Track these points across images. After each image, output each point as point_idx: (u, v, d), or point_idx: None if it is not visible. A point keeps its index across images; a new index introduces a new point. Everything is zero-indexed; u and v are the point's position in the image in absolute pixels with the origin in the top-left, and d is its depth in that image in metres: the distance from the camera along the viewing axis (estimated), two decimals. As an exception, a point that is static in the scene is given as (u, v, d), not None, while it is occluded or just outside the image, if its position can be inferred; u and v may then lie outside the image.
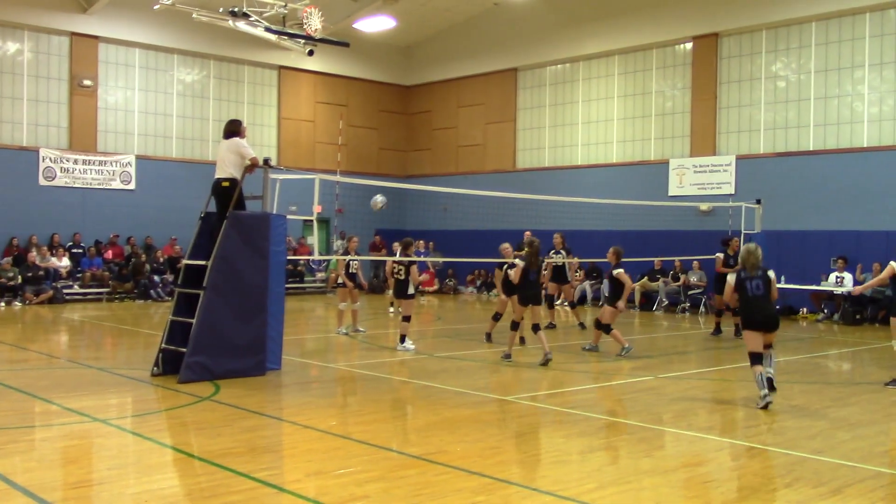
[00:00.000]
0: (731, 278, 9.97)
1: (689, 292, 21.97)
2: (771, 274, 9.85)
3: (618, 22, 25.16)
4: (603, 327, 13.28)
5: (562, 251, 17.22)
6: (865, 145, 20.56)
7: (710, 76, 23.41)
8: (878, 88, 20.54)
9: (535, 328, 12.42)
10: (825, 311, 19.87)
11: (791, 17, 21.80)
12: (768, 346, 9.99)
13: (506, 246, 14.27)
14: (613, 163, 25.59)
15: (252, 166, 10.91)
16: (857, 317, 18.92)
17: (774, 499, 6.29)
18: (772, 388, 9.88)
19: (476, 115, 29.43)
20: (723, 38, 23.29)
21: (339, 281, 15.83)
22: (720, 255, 16.39)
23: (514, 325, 12.92)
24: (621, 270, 13.30)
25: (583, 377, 11.28)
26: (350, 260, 15.67)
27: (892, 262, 11.22)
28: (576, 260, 18.77)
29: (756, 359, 9.60)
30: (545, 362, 12.12)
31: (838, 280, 19.27)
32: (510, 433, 8.36)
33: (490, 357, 13.26)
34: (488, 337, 14.69)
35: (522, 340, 14.03)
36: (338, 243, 27.19)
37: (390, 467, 6.77)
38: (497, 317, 14.45)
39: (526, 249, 12.72)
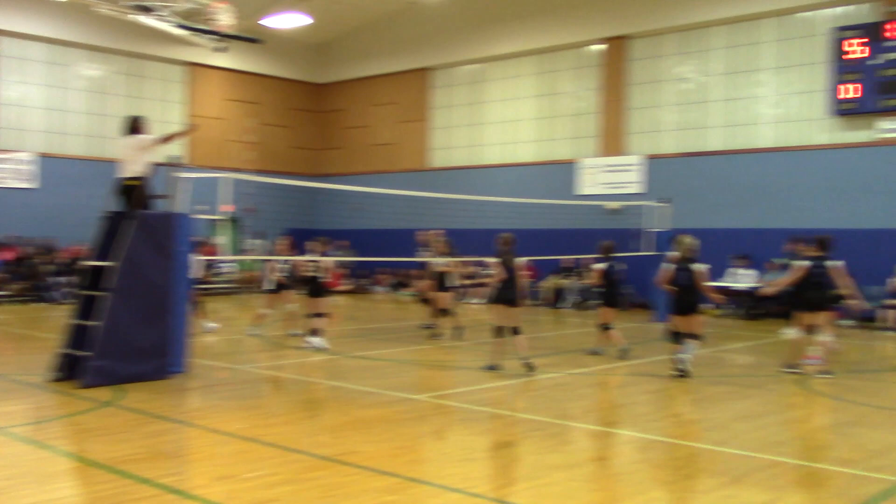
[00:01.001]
0: (666, 266, 11.52)
1: (597, 289, 22.30)
2: (698, 267, 11.26)
3: (530, 23, 25.45)
4: (603, 328, 13.22)
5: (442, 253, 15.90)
6: (766, 146, 21.29)
7: (619, 78, 23.89)
8: (777, 91, 21.29)
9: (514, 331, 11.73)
10: (730, 306, 20.47)
11: (697, 21, 22.41)
12: (693, 335, 11.27)
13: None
14: (525, 162, 25.88)
15: (169, 137, 11.02)
16: (758, 312, 19.55)
17: (678, 489, 6.45)
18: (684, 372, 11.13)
19: (389, 114, 29.37)
20: (631, 40, 23.79)
21: (271, 284, 15.31)
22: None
23: (499, 331, 11.92)
24: (600, 266, 13.22)
25: (492, 375, 11.36)
26: (280, 261, 15.26)
27: (800, 262, 11.72)
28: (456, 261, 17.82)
29: (676, 337, 11.32)
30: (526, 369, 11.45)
31: (740, 277, 19.89)
32: (420, 432, 8.36)
33: (402, 356, 13.24)
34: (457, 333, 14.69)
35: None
36: (254, 243, 26.76)
37: (300, 469, 6.69)
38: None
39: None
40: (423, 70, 28.35)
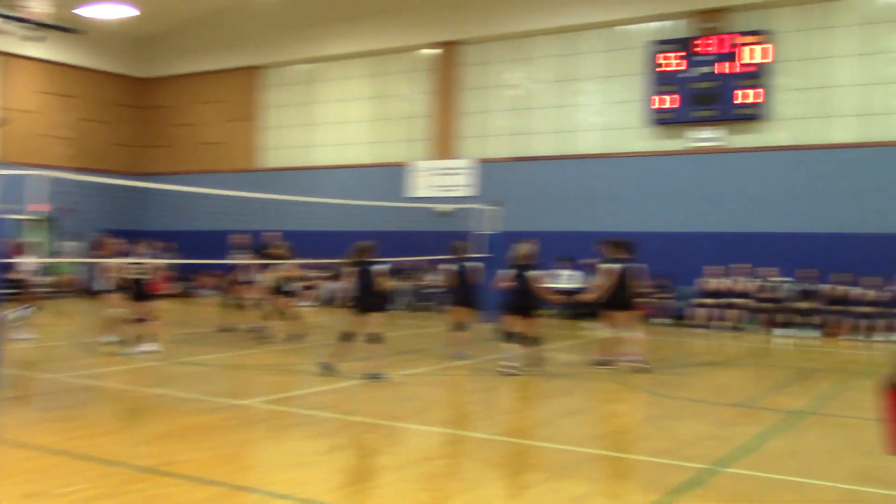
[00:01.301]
0: (503, 273, 12.21)
1: (428, 291, 22.58)
2: (535, 272, 12.00)
3: (363, 25, 25.42)
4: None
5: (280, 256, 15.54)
6: (590, 152, 22.22)
7: (451, 82, 24.27)
8: (601, 100, 22.27)
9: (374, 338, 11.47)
10: (556, 306, 21.18)
11: (526, 30, 23.10)
12: (528, 338, 11.86)
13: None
14: (358, 164, 25.83)
15: None
16: (581, 312, 20.30)
17: (506, 486, 6.60)
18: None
19: (217, 112, 28.54)
20: (463, 45, 24.23)
21: (107, 285, 14.43)
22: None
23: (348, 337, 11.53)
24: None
25: (322, 378, 11.25)
26: (126, 262, 14.32)
27: (608, 266, 12.31)
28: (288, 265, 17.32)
29: (509, 337, 11.83)
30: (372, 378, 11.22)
31: (564, 277, 20.64)
32: (248, 438, 8.16)
33: (227, 361, 12.90)
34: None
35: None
36: (70, 245, 25.29)
37: (118, 482, 6.36)
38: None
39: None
40: (253, 68, 27.75)
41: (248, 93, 27.93)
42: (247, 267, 16.43)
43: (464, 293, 13.36)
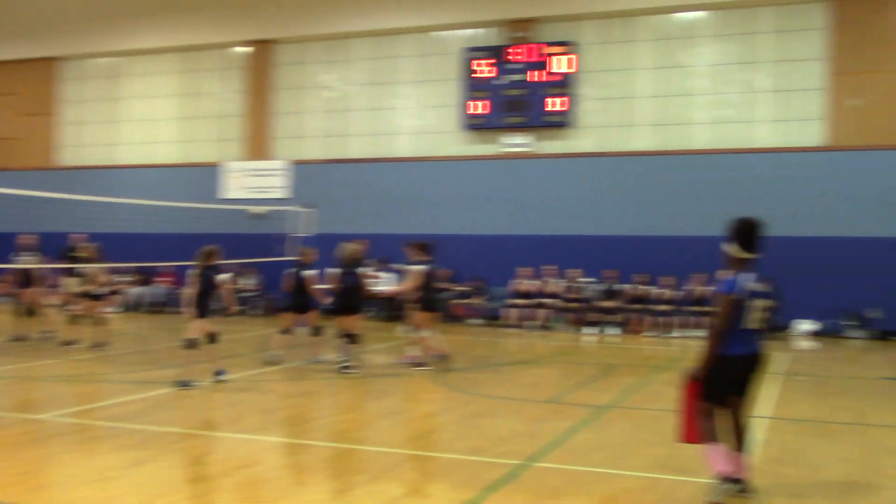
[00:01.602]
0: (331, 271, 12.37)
1: (244, 295, 22.03)
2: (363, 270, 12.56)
3: (172, 18, 24.44)
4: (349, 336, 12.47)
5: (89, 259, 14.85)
6: (405, 155, 22.41)
7: (264, 81, 23.80)
8: (414, 104, 22.53)
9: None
10: (371, 308, 21.20)
11: (341, 31, 23.01)
12: (354, 337, 12.14)
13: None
14: (166, 163, 24.83)
15: None
16: (397, 314, 20.43)
17: (323, 490, 6.50)
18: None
19: (8, 105, 26.55)
20: (277, 45, 23.82)
21: None
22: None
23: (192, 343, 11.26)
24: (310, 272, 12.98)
25: (127, 388, 10.70)
26: None
27: (414, 268, 12.52)
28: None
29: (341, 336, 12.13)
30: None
31: (380, 280, 20.70)
32: (45, 454, 7.61)
33: (21, 373, 12.02)
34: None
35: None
36: None
37: None
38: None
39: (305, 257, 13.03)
40: (51, 59, 26.06)
41: (45, 85, 26.19)
42: (41, 270, 15.37)
43: (300, 298, 13.09)
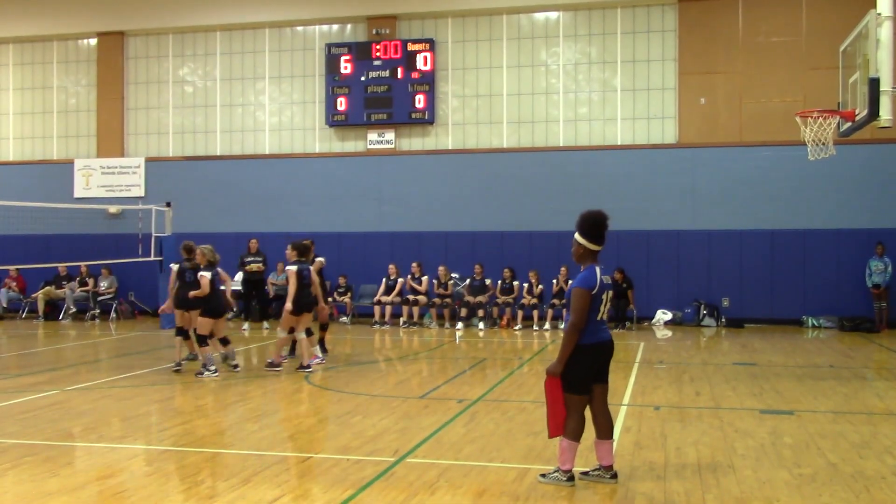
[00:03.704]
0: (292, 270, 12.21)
1: (100, 298, 21.10)
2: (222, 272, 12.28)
3: (13, 8, 23.08)
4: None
5: None
6: (268, 152, 22.00)
7: (116, 75, 22.81)
8: (277, 100, 22.12)
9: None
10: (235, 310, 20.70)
11: (197, 25, 22.32)
12: (222, 339, 12.18)
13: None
14: (10, 161, 23.46)
15: None
16: (265, 314, 20.06)
17: (189, 497, 6.27)
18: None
19: None
20: (129, 37, 22.88)
21: None
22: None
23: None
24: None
25: (-23, 398, 10.03)
26: None
27: (289, 268, 12.29)
28: None
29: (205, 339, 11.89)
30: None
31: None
32: None
33: None
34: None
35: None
36: None
37: None
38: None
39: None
40: None
41: None
42: None
43: (215, 301, 12.44)
